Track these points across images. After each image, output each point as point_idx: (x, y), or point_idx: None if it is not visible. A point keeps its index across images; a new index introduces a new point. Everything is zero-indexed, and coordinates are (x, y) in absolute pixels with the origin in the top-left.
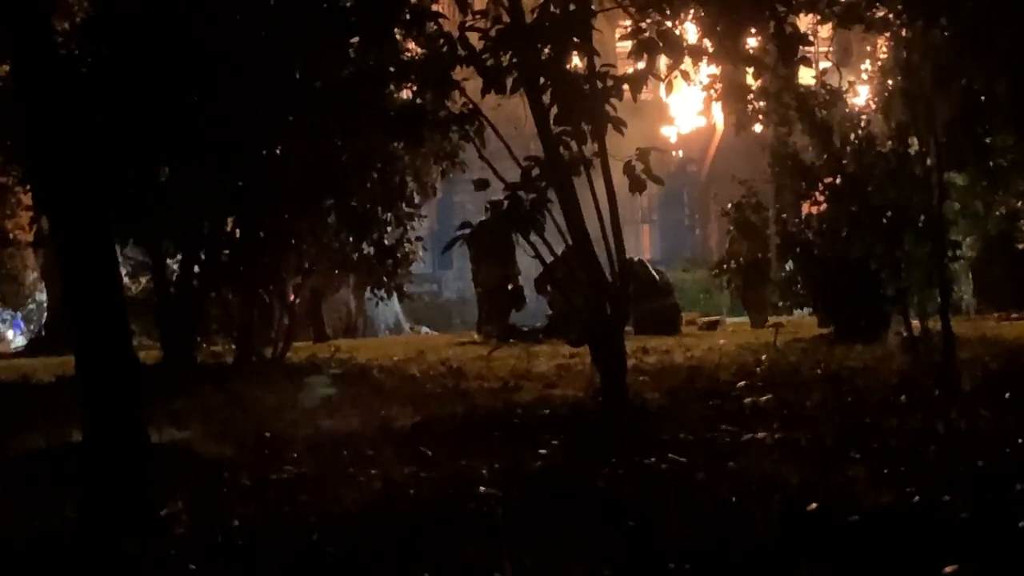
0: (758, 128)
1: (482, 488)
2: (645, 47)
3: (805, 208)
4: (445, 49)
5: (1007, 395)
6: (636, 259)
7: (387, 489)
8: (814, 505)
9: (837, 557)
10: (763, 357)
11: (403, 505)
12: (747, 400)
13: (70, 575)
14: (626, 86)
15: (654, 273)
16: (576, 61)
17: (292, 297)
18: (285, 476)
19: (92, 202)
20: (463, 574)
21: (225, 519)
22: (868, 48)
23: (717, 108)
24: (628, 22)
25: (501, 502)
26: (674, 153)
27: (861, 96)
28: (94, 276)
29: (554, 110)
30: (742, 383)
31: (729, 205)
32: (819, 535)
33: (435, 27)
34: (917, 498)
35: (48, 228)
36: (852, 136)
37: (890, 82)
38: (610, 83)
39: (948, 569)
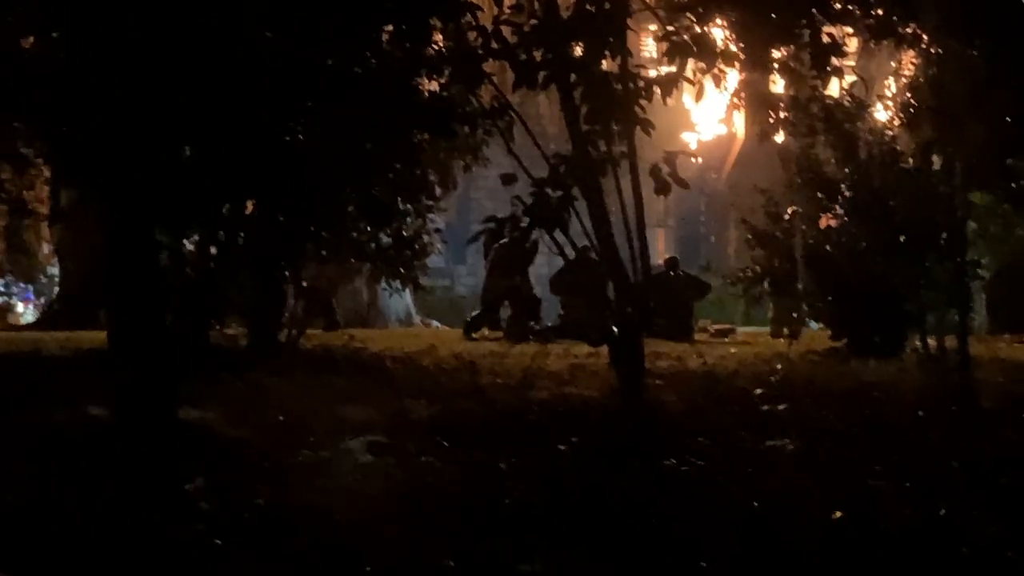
0: (780, 138)
1: (505, 481)
2: (678, 50)
3: (823, 221)
4: (479, 42)
5: None
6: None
7: (407, 477)
8: (839, 514)
9: (871, 567)
10: (778, 367)
11: (425, 494)
12: (764, 408)
13: (101, 545)
14: (657, 88)
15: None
16: (605, 62)
17: (306, 284)
18: (303, 460)
19: (133, 179)
20: (488, 564)
21: (248, 498)
22: (893, 64)
23: (738, 116)
24: (654, 26)
25: (524, 495)
26: (693, 160)
27: (887, 111)
28: (133, 253)
29: (584, 108)
30: (758, 391)
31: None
32: (849, 545)
33: (470, 19)
34: (944, 512)
35: (67, 200)
36: (876, 151)
37: (912, 100)
38: (641, 84)
39: None
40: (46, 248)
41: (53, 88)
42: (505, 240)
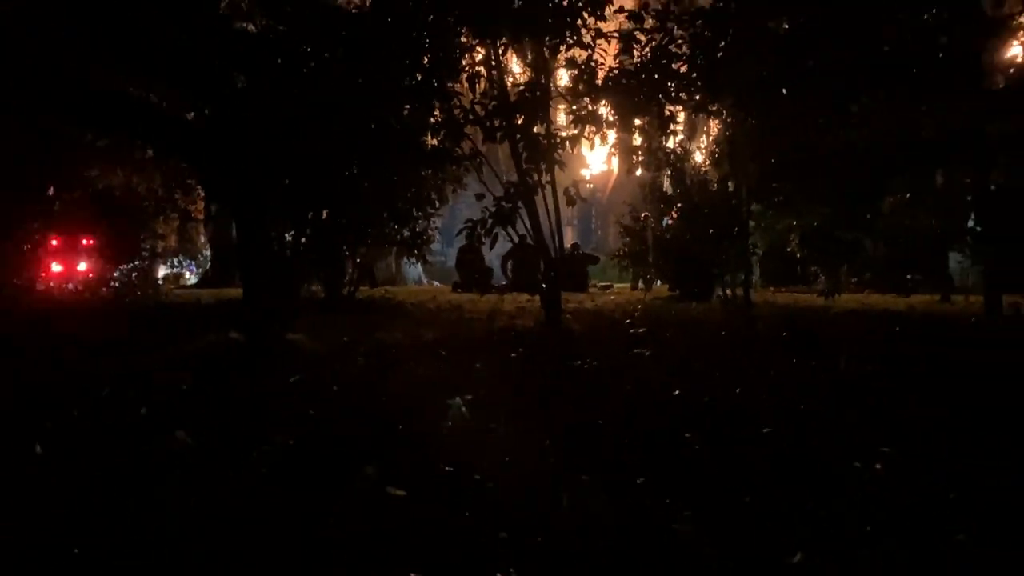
0: (639, 172)
1: (478, 375)
2: (580, 120)
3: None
4: (460, 114)
5: (784, 335)
6: (575, 243)
7: (421, 372)
8: (677, 392)
9: (696, 419)
10: (638, 307)
11: (428, 383)
12: (631, 331)
13: (233, 415)
14: (567, 143)
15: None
16: (536, 127)
17: (359, 260)
18: (359, 364)
19: (254, 199)
20: (464, 430)
21: (327, 385)
22: (705, 128)
23: (614, 159)
24: (564, 106)
25: (489, 385)
26: (588, 185)
27: (702, 156)
28: (254, 242)
29: (524, 154)
30: (627, 321)
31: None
32: (684, 408)
33: (456, 102)
34: (739, 390)
35: (215, 210)
36: (695, 179)
37: (717, 149)
38: (557, 140)
39: (766, 430)
40: (202, 239)
41: (205, 145)
42: (463, 245)
